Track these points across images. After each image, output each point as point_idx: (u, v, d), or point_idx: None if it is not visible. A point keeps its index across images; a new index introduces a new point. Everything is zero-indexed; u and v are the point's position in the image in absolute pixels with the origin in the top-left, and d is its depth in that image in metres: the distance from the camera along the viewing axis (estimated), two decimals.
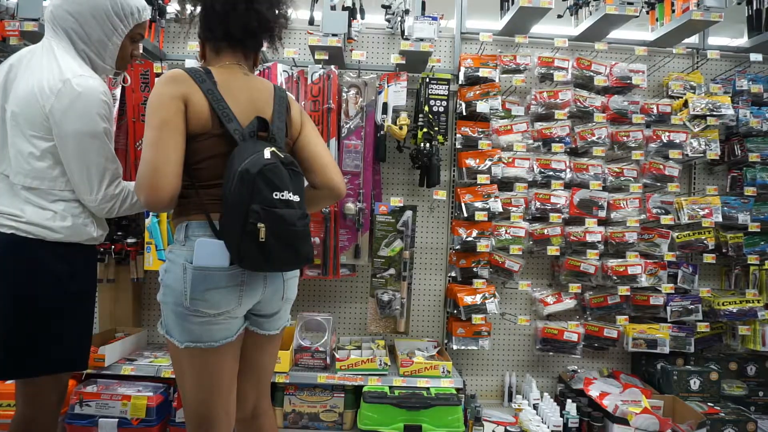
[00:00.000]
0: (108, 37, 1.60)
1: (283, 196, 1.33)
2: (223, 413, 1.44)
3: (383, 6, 2.97)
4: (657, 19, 2.97)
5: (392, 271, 2.78)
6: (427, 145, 2.72)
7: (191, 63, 2.70)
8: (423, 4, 2.79)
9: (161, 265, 1.43)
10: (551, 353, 2.98)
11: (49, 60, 1.53)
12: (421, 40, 2.63)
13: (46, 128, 1.50)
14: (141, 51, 1.77)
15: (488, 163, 2.83)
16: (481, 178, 2.80)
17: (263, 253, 1.30)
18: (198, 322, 1.36)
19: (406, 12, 2.74)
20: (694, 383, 2.84)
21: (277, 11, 1.51)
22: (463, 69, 2.88)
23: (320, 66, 2.74)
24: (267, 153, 1.33)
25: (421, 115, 2.81)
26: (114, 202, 1.59)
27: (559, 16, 3.02)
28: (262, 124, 1.44)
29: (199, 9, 1.49)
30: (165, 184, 1.31)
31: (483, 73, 2.83)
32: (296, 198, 1.37)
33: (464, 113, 2.85)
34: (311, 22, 2.90)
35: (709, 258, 2.92)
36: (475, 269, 2.89)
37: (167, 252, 1.43)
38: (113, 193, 1.58)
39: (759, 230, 2.93)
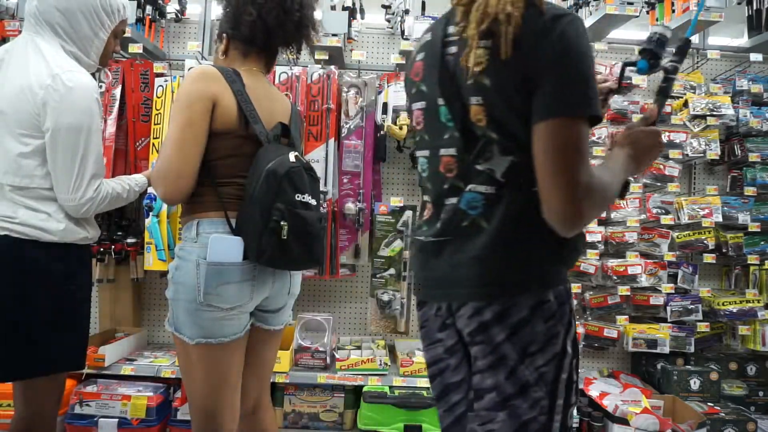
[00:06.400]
0: (95, 33, 1.59)
1: (303, 198, 1.41)
2: (230, 408, 1.47)
3: (383, 6, 2.96)
4: (657, 19, 2.96)
5: (392, 271, 2.78)
6: None
7: (191, 63, 2.69)
8: (423, 4, 2.79)
9: (170, 263, 1.46)
10: None
11: (35, 56, 1.50)
12: None
13: (36, 126, 1.47)
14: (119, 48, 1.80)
15: None
16: None
17: (283, 250, 1.36)
18: (210, 318, 1.39)
19: (406, 12, 2.74)
20: (694, 383, 2.83)
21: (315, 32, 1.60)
22: None
23: (320, 66, 2.74)
24: (292, 156, 1.41)
25: None
26: (90, 204, 1.53)
27: None
28: (284, 130, 1.50)
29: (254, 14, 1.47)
30: (182, 185, 1.38)
31: None
32: (313, 201, 1.46)
33: None
34: None
35: (709, 258, 2.91)
36: None
37: (177, 249, 1.45)
38: (91, 196, 1.52)
39: (759, 230, 2.92)
